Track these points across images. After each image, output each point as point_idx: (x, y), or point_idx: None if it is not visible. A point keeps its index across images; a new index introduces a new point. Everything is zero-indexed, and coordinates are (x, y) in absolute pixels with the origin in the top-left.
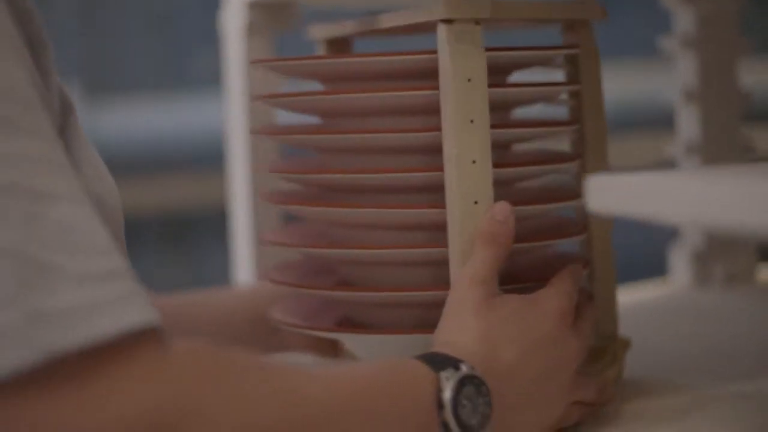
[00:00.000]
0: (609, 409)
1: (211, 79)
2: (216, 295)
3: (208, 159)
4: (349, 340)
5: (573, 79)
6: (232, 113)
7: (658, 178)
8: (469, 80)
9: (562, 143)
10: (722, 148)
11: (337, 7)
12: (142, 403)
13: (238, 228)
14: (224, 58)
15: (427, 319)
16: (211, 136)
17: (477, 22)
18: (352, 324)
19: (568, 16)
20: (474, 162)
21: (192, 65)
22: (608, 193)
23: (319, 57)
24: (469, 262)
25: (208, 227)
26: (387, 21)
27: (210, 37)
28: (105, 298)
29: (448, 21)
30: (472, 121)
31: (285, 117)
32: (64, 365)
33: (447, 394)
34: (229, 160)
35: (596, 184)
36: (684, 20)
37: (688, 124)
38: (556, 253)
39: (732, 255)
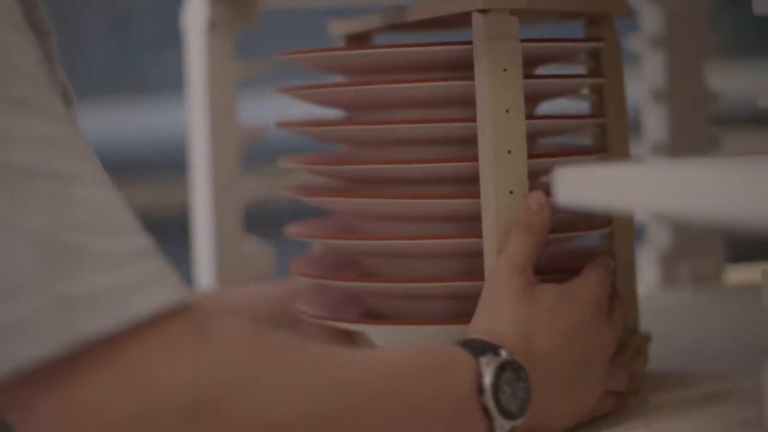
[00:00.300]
0: (634, 400)
1: (171, 83)
2: (237, 290)
3: (169, 164)
4: (374, 332)
5: (597, 73)
6: (193, 110)
7: (625, 170)
8: (505, 70)
9: (583, 139)
10: (690, 148)
11: (300, 5)
12: (182, 381)
13: (199, 232)
14: (186, 55)
15: (452, 310)
16: (171, 140)
17: (512, 12)
18: (374, 317)
19: (599, 9)
20: (509, 152)
21: (152, 69)
22: (576, 186)
23: (351, 48)
24: (505, 251)
25: (169, 232)
26: (415, 13)
27: (170, 41)
28: (136, 278)
29: (483, 11)
30: (507, 111)
31: (248, 115)
32: (100, 348)
33: (487, 380)
34: (190, 158)
35: (564, 176)
36: (651, 19)
37: (656, 124)
38: (578, 247)
39: (699, 256)
